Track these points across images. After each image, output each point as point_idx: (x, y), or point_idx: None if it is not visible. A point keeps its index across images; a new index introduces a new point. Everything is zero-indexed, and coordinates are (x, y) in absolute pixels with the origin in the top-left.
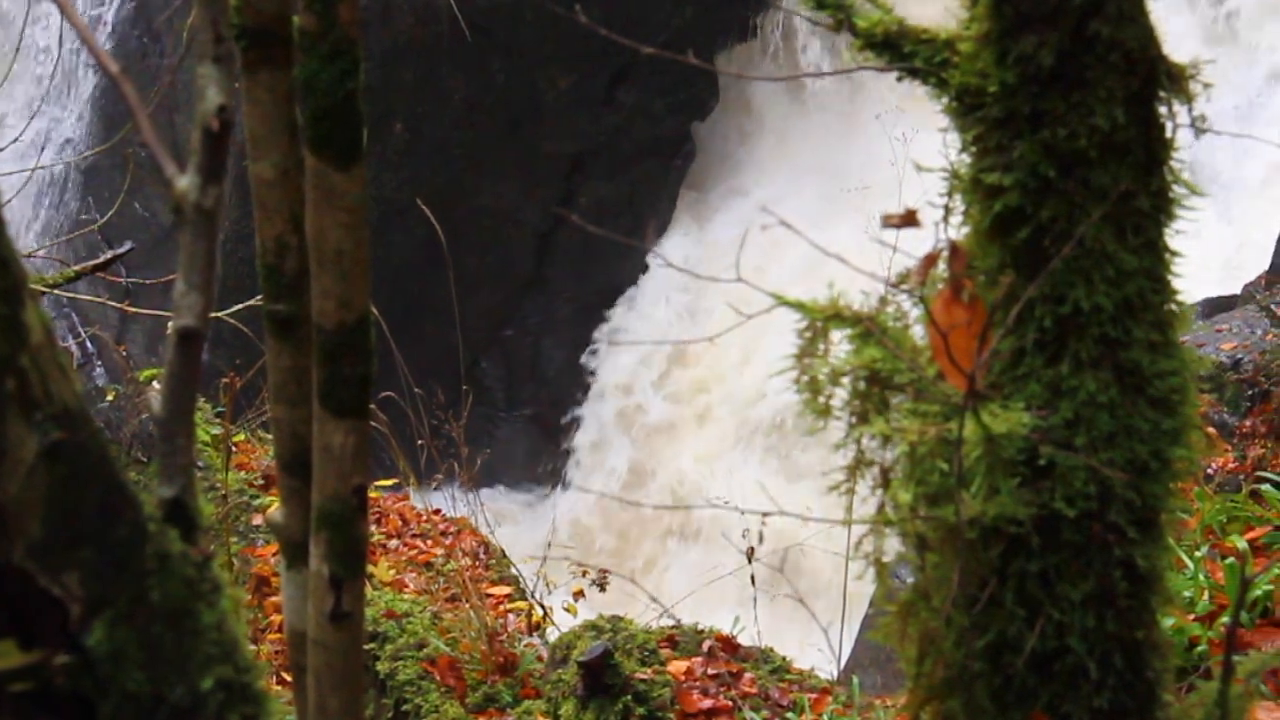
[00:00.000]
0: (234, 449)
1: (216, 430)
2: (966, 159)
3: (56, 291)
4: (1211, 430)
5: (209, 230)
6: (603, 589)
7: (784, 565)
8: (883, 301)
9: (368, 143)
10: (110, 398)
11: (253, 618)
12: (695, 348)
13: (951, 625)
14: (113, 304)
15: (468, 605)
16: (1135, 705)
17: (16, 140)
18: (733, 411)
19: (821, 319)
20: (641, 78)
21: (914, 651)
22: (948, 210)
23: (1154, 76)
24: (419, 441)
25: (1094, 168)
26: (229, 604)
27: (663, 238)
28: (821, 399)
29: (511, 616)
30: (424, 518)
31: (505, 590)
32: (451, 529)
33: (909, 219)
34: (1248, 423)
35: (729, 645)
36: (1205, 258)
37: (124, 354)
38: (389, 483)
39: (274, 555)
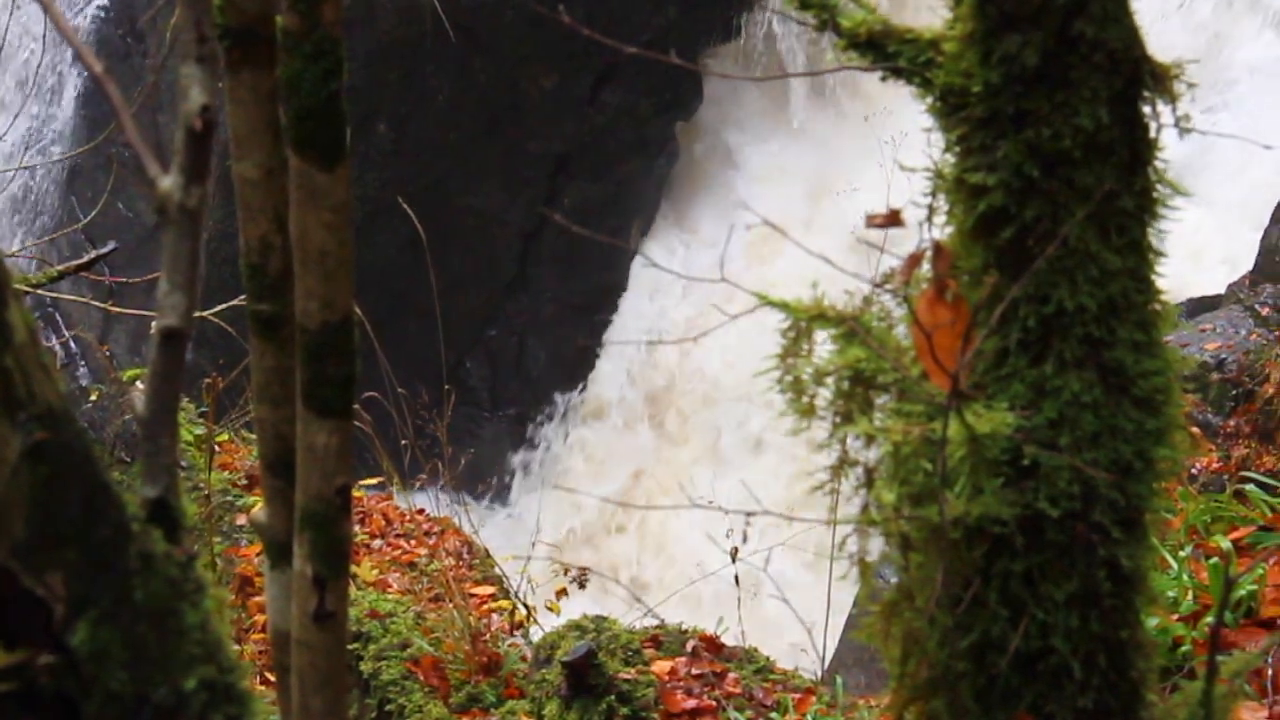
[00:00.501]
0: (217, 449)
1: (200, 430)
2: (951, 159)
3: (40, 291)
4: (1195, 430)
5: (193, 230)
6: (582, 586)
7: (768, 565)
8: (867, 301)
9: (351, 142)
10: (94, 398)
11: (236, 618)
12: (679, 347)
13: (935, 625)
14: (96, 304)
15: (451, 605)
16: (1119, 705)
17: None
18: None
19: (806, 319)
20: (626, 78)
21: (898, 651)
22: (932, 210)
23: (1138, 76)
24: (403, 441)
25: (1078, 168)
26: (212, 604)
27: (647, 238)
28: (805, 399)
29: (495, 616)
30: (407, 517)
31: (489, 590)
32: (435, 529)
33: (893, 219)
34: (1231, 422)
35: (713, 645)
36: (1189, 257)
37: (107, 354)
38: (373, 482)
39: (257, 555)
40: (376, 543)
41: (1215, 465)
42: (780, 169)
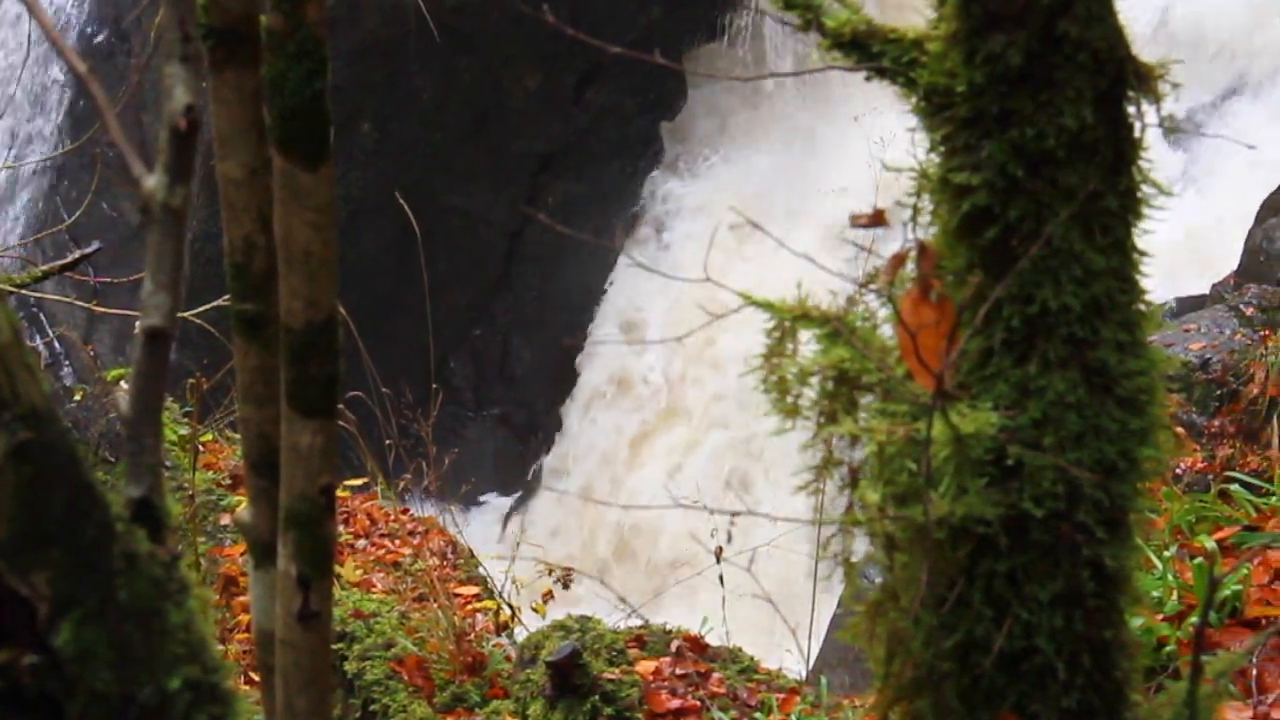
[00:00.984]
0: (202, 449)
1: (184, 430)
2: (935, 159)
3: (24, 291)
4: (1180, 430)
5: (177, 230)
6: (566, 586)
7: (752, 565)
8: (851, 301)
9: (335, 142)
10: (78, 397)
11: (220, 617)
12: (664, 346)
13: (919, 625)
14: (80, 304)
15: (435, 605)
16: (1103, 705)
17: None
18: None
19: (790, 318)
20: (610, 77)
21: (882, 651)
22: (916, 210)
23: (1122, 76)
24: (387, 441)
25: (1062, 167)
26: (197, 604)
27: (631, 237)
28: (790, 399)
29: (479, 616)
30: (392, 517)
31: (473, 590)
32: (419, 529)
33: (877, 219)
34: (1216, 422)
35: (697, 645)
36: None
37: (92, 354)
38: (357, 482)
39: (241, 555)
40: (361, 542)
41: (1200, 465)
42: (765, 168)
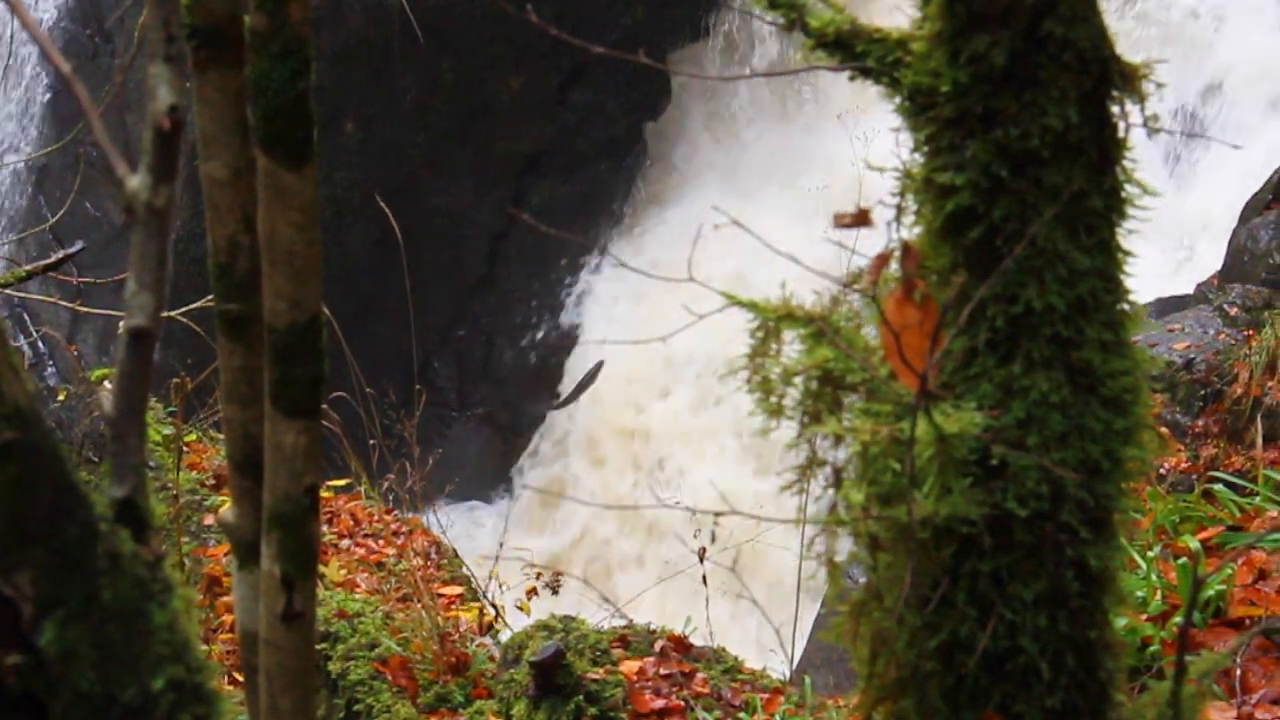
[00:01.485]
0: (186, 449)
1: (168, 430)
2: (919, 159)
3: (7, 291)
4: (1164, 430)
5: (161, 230)
6: (555, 591)
7: (736, 564)
8: (835, 301)
9: (319, 142)
10: (62, 397)
11: (204, 618)
12: (647, 346)
13: (904, 625)
14: (64, 304)
15: (419, 605)
16: (1087, 705)
17: None
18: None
19: (774, 319)
20: (594, 78)
21: (866, 651)
22: (900, 210)
23: (1106, 76)
24: (371, 442)
25: (1046, 167)
26: (180, 604)
27: (616, 237)
28: (774, 399)
29: (463, 616)
30: (375, 517)
31: (457, 590)
32: (403, 529)
33: (861, 219)
34: (1200, 422)
35: (681, 645)
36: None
37: (75, 354)
38: (341, 483)
39: (225, 555)
40: (345, 542)
41: (1184, 465)
42: (749, 168)
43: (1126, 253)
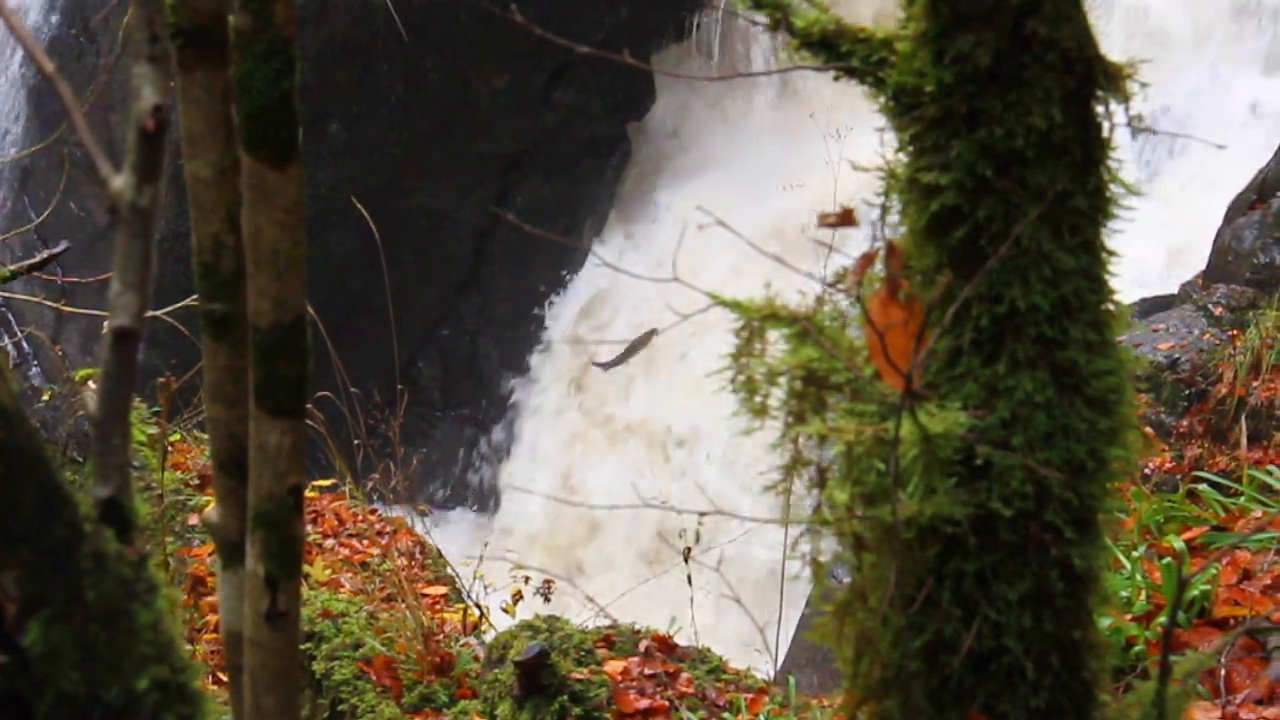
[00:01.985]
0: (170, 449)
1: (153, 430)
2: (903, 158)
3: None
4: (1149, 430)
5: (145, 230)
6: (547, 599)
7: (720, 564)
8: (819, 301)
9: (304, 142)
10: (46, 397)
11: (188, 617)
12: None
13: (888, 625)
14: (49, 304)
15: (404, 605)
16: (1072, 705)
17: None
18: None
19: (758, 318)
20: (578, 77)
21: (851, 651)
22: (884, 210)
23: (1091, 76)
24: (355, 441)
25: (1031, 167)
26: (165, 604)
27: (599, 237)
28: (758, 399)
29: (448, 616)
30: (360, 517)
31: (442, 590)
32: (387, 528)
33: (845, 218)
34: (1185, 422)
35: (666, 645)
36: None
37: (60, 353)
38: (326, 483)
39: (210, 555)
40: (329, 542)
41: (1168, 465)
42: (734, 167)
43: (1111, 252)
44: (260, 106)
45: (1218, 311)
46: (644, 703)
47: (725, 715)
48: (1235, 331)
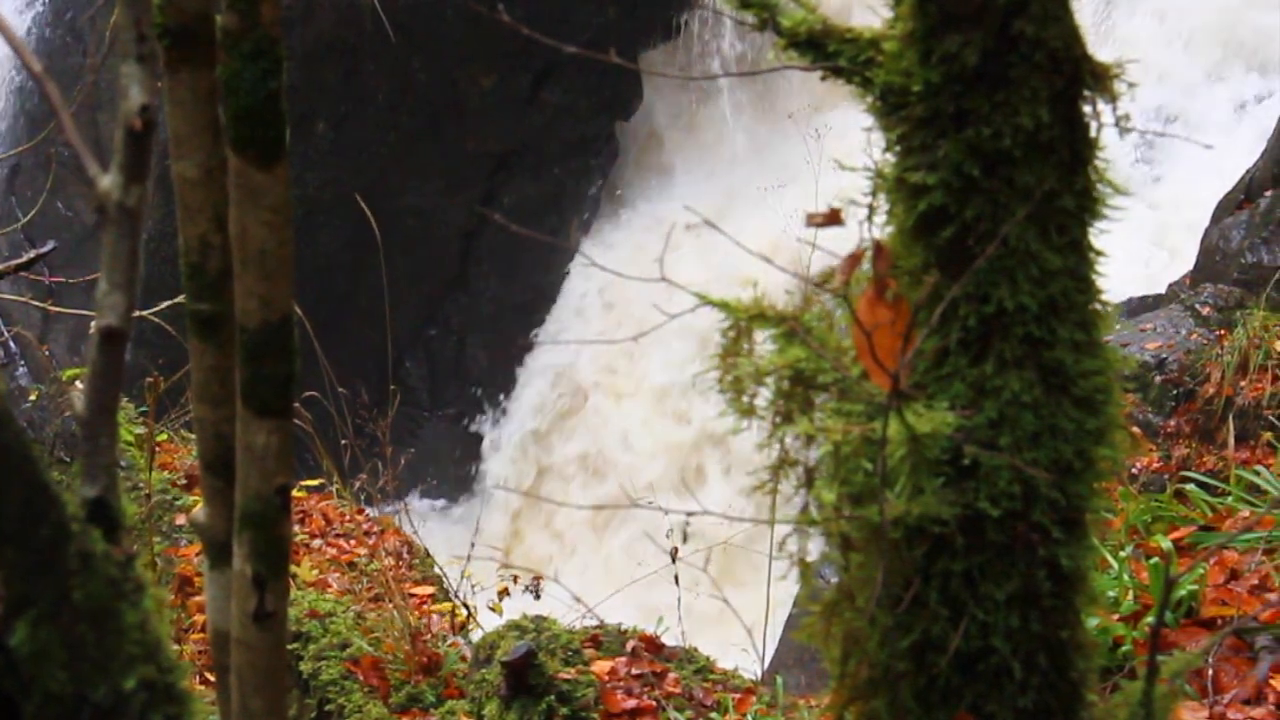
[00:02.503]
0: (157, 449)
1: (140, 430)
2: (890, 158)
3: None
4: (1136, 430)
5: (132, 229)
6: (537, 596)
7: (708, 564)
8: (806, 301)
9: (291, 142)
10: (33, 397)
11: (176, 618)
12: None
13: (875, 625)
14: (36, 303)
15: (391, 605)
16: (1059, 705)
17: None
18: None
19: (745, 318)
20: (565, 77)
21: (838, 651)
22: (872, 209)
23: (1078, 76)
24: (343, 441)
25: (1018, 167)
26: (152, 604)
27: (587, 236)
28: (745, 399)
29: (435, 616)
30: (347, 517)
31: (429, 590)
32: (375, 529)
33: (832, 218)
34: (1172, 422)
35: (653, 645)
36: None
37: (47, 353)
38: (313, 483)
39: (197, 555)
40: (316, 542)
41: (1156, 465)
42: (722, 167)
43: (1098, 252)
44: (247, 106)
45: (1205, 311)
46: (631, 703)
47: (713, 715)
48: (1223, 331)
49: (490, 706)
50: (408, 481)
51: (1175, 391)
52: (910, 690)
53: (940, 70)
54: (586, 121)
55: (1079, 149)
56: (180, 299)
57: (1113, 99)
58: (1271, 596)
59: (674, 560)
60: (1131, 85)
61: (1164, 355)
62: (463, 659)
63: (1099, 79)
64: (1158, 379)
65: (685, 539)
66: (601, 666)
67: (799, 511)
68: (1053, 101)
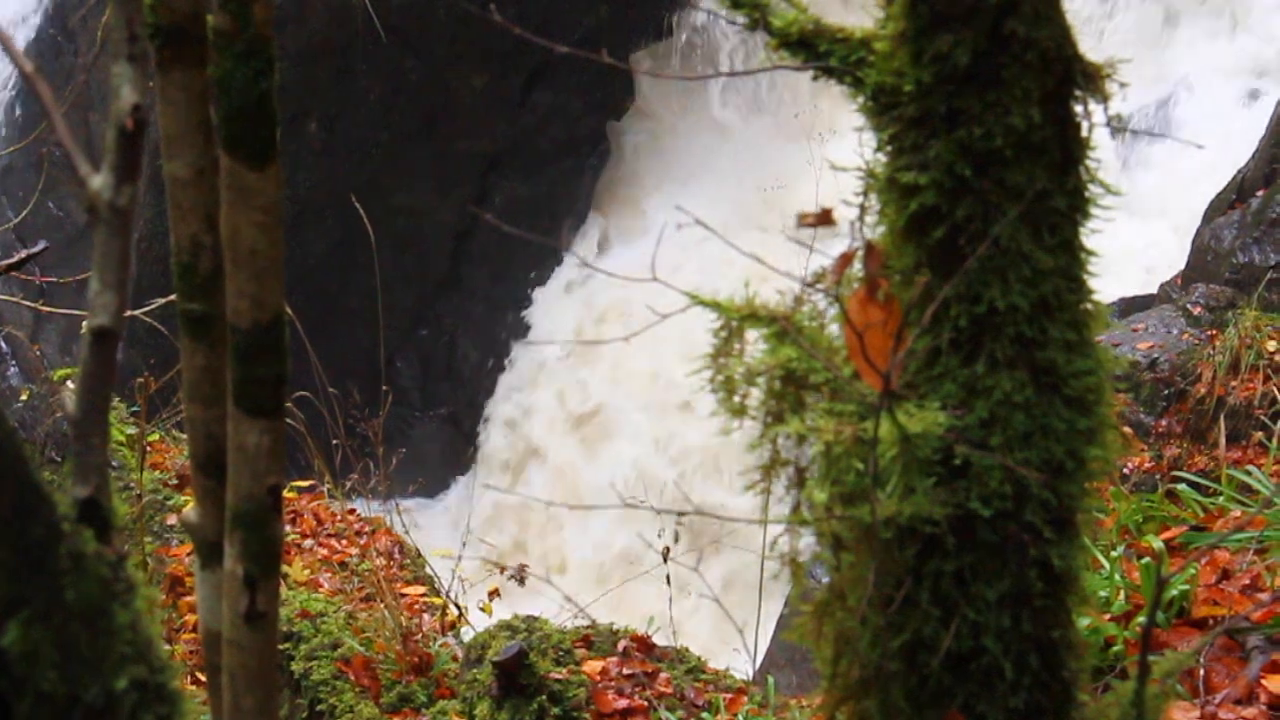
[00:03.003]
0: (149, 449)
1: (131, 430)
2: (882, 158)
3: None
4: (1127, 430)
5: (124, 229)
6: (521, 582)
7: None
8: (798, 301)
9: (282, 142)
10: (25, 397)
11: (167, 618)
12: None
13: (867, 625)
14: (27, 303)
15: (382, 605)
16: (1051, 705)
17: None
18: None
19: (737, 318)
20: (557, 77)
21: (829, 651)
22: (863, 210)
23: (1070, 76)
24: (334, 441)
25: (1010, 167)
26: (143, 604)
27: (578, 237)
28: (737, 398)
29: (426, 616)
30: (339, 517)
31: (420, 590)
32: (366, 528)
33: (824, 218)
34: (1163, 422)
35: (644, 645)
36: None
37: (38, 353)
38: (304, 483)
39: (188, 555)
40: (308, 542)
41: (1147, 465)
42: (713, 167)
43: (1090, 252)
44: (239, 107)
45: (1196, 311)
46: (622, 703)
47: (704, 715)
48: (1214, 331)
49: (482, 706)
50: (399, 481)
51: (1167, 391)
52: (902, 690)
53: (932, 70)
54: (578, 121)
55: (1070, 149)
56: (172, 299)
57: (1104, 99)
58: (1263, 596)
59: (665, 560)
60: (1123, 85)
61: (1155, 355)
62: (454, 659)
63: (1090, 79)
64: (1149, 379)
65: (677, 539)
66: (593, 666)
67: (791, 511)
68: (1044, 101)
